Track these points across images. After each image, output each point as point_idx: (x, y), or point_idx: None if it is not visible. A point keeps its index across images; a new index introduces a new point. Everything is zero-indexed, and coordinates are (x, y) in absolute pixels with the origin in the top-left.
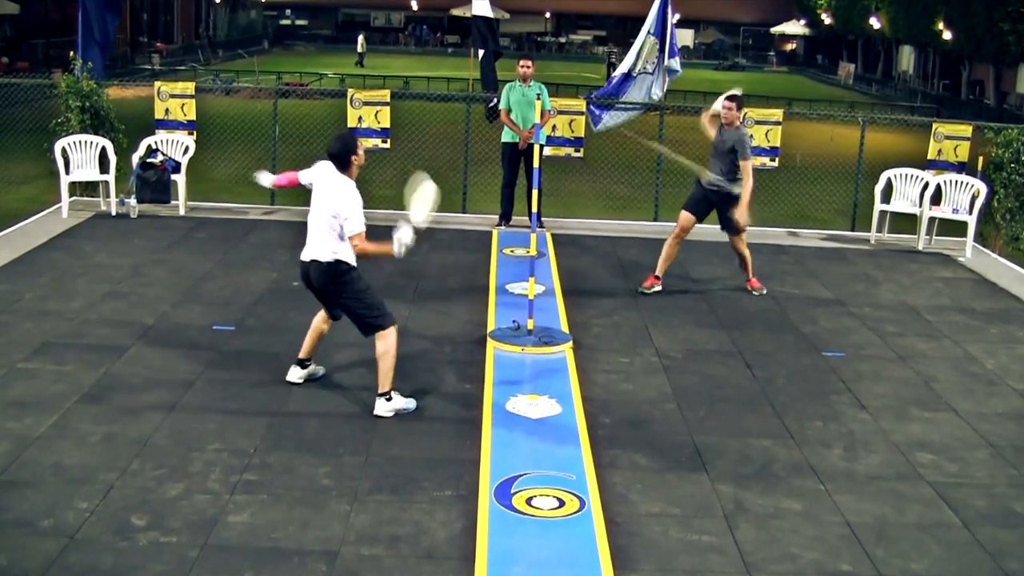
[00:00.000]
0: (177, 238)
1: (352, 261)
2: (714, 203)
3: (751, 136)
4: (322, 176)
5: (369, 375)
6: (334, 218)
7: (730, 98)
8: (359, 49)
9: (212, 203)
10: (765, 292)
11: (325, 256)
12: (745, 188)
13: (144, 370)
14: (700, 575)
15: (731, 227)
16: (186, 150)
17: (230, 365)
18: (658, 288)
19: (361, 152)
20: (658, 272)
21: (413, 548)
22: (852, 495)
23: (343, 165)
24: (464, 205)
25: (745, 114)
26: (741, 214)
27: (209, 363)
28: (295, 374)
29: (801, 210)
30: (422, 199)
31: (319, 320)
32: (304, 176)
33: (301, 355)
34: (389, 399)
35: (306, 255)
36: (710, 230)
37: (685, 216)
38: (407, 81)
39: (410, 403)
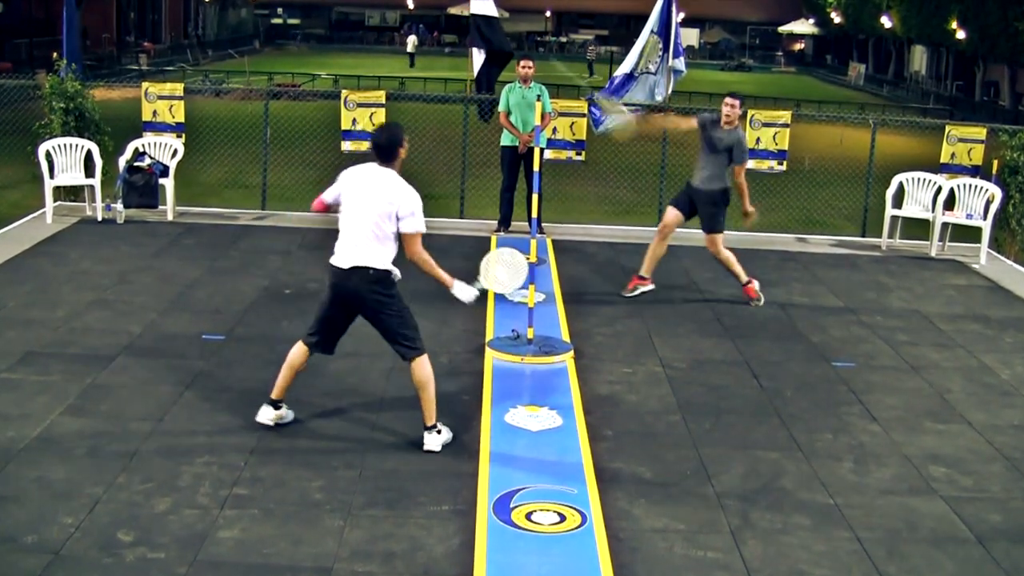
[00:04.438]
0: (165, 244)
1: (397, 273)
2: (696, 203)
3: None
4: (360, 176)
5: (364, 383)
6: (388, 219)
7: (733, 95)
8: (409, 49)
9: (201, 208)
10: (762, 303)
11: (378, 262)
12: (744, 193)
13: (131, 380)
14: None
15: (713, 227)
16: (174, 153)
17: (220, 375)
18: (645, 289)
19: (407, 144)
20: (643, 272)
21: (409, 565)
22: (862, 509)
23: (390, 157)
24: (462, 210)
25: (752, 116)
26: (750, 213)
27: (198, 373)
28: (267, 415)
29: (810, 215)
30: (508, 271)
31: (298, 355)
32: (330, 191)
33: (274, 395)
34: (439, 432)
35: (345, 262)
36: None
37: (672, 212)
38: (403, 82)
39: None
